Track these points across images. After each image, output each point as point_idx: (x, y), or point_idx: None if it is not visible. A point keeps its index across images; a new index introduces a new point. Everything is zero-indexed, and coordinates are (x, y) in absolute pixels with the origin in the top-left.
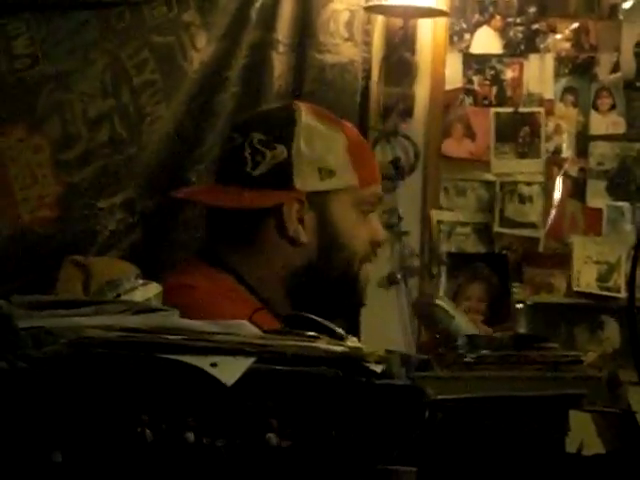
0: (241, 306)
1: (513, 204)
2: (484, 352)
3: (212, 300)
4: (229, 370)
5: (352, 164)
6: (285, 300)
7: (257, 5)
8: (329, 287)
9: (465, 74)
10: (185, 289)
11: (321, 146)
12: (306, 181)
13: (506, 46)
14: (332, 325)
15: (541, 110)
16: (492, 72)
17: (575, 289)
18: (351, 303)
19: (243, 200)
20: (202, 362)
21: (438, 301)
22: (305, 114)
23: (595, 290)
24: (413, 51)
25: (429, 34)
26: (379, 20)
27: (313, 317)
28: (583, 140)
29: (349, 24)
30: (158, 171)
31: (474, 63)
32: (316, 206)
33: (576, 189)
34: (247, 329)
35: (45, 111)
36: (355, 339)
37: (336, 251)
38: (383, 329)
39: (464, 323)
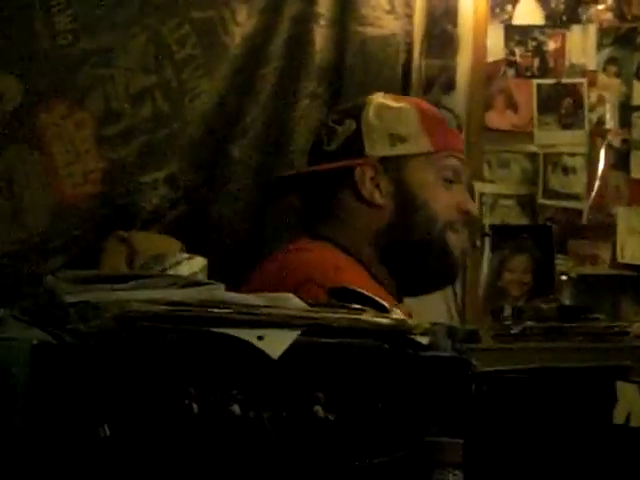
0: (352, 272)
1: (556, 176)
2: (530, 324)
3: (329, 263)
4: (275, 343)
5: (425, 131)
6: (381, 266)
7: None
8: (415, 250)
9: (507, 46)
10: (302, 251)
11: (390, 117)
12: (376, 147)
13: (548, 17)
14: (377, 298)
15: (584, 81)
16: (534, 43)
17: (620, 260)
18: (441, 269)
19: (318, 168)
20: (249, 335)
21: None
22: (377, 96)
23: None
24: (455, 23)
25: (470, 6)
26: None
27: (359, 290)
28: (626, 111)
29: None
30: (201, 146)
31: (516, 34)
32: (391, 171)
33: (620, 160)
34: (293, 302)
35: (87, 87)
36: (400, 311)
37: (413, 212)
38: (427, 302)
39: None
